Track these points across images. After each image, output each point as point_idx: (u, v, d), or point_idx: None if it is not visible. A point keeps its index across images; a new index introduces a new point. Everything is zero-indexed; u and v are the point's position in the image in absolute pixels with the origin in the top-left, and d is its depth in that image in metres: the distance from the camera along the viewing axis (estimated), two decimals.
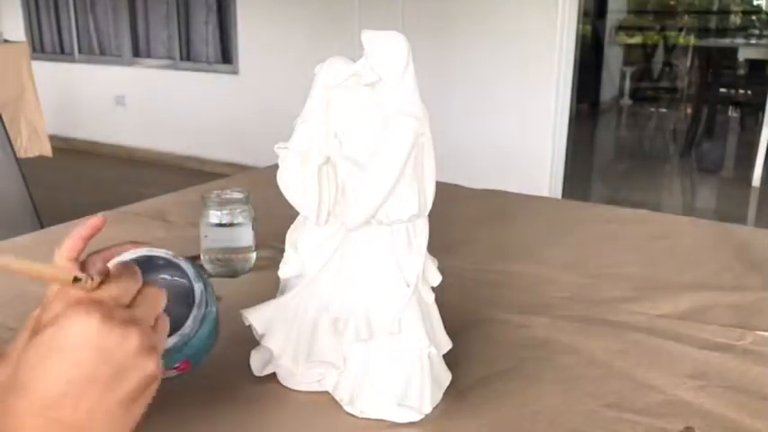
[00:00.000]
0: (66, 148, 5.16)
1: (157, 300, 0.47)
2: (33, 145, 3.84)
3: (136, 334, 0.42)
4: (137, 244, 0.52)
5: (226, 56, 4.87)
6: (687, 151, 5.36)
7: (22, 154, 3.48)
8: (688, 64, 7.68)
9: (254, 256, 0.95)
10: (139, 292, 0.46)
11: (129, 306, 0.45)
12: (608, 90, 7.58)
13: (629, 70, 7.86)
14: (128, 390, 0.42)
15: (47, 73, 5.13)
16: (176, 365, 0.56)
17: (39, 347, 0.41)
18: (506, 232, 1.14)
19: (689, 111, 6.28)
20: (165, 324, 0.48)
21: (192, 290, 0.54)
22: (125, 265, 0.47)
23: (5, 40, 4.25)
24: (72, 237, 0.49)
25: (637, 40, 8.30)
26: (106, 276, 0.45)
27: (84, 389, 0.40)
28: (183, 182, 1.33)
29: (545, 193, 3.70)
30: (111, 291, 0.44)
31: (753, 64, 6.17)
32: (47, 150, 3.91)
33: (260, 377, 0.68)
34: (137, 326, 0.43)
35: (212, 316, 0.57)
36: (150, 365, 0.43)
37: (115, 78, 5.38)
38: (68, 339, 0.41)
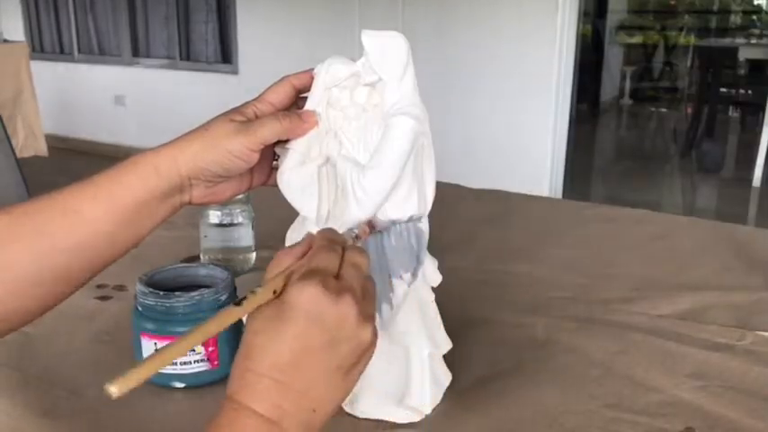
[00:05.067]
0: (65, 148, 5.16)
1: (361, 265, 0.48)
2: (29, 145, 3.84)
3: (351, 305, 0.44)
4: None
5: (226, 56, 4.87)
6: (687, 151, 5.36)
7: (18, 154, 3.48)
8: (688, 64, 7.68)
9: (254, 256, 0.95)
10: (342, 258, 0.47)
11: (338, 276, 0.46)
12: (608, 90, 7.57)
13: (629, 70, 7.86)
14: (346, 358, 0.45)
15: (46, 73, 5.14)
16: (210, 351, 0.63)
17: (264, 320, 0.44)
18: (506, 232, 1.14)
19: (689, 111, 6.27)
20: (373, 289, 0.49)
21: None
22: (325, 234, 0.49)
23: (5, 40, 4.25)
24: (304, 75, 0.59)
25: (637, 39, 8.30)
26: (309, 248, 0.48)
27: (306, 358, 0.43)
28: None
29: (545, 193, 3.70)
30: (320, 261, 0.46)
31: (753, 64, 6.18)
32: (42, 150, 3.91)
33: None
34: (352, 295, 0.45)
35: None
36: (366, 334, 0.45)
37: (115, 78, 5.37)
38: (292, 312, 0.43)
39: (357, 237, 0.48)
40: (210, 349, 0.66)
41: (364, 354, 0.46)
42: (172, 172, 0.54)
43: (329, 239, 0.49)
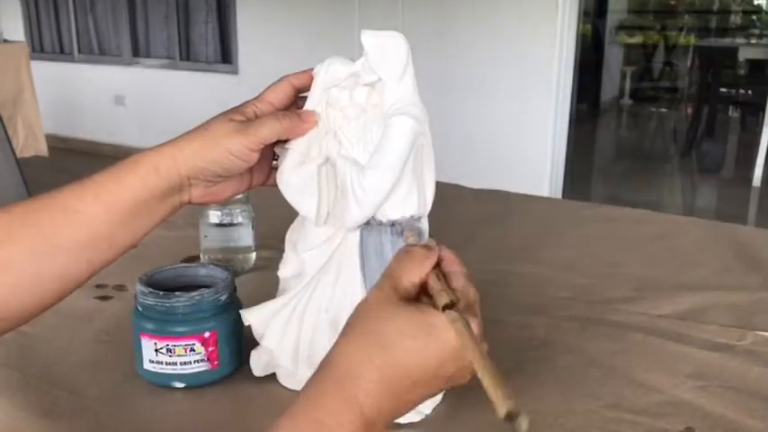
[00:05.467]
0: (65, 148, 5.16)
1: (473, 297, 0.49)
2: (30, 145, 3.84)
3: (477, 353, 0.44)
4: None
5: (226, 56, 4.87)
6: (687, 151, 5.36)
7: (18, 154, 3.48)
8: (688, 64, 7.68)
9: (253, 256, 0.95)
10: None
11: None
12: (608, 90, 7.57)
13: (629, 70, 7.85)
14: (448, 385, 0.46)
15: (46, 73, 5.13)
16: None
17: (417, 328, 0.43)
18: (506, 232, 1.14)
19: (689, 111, 6.28)
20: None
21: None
22: (459, 259, 0.50)
23: (5, 40, 4.25)
24: (305, 74, 0.60)
25: (637, 39, 8.30)
26: (437, 257, 0.49)
27: (430, 382, 0.44)
28: None
29: (545, 193, 3.70)
30: (471, 295, 0.48)
31: (753, 64, 6.18)
32: (43, 151, 3.91)
33: (260, 377, 0.68)
34: (481, 343, 0.45)
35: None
36: (466, 379, 0.46)
37: (115, 78, 5.37)
38: (445, 340, 0.43)
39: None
40: (210, 349, 0.66)
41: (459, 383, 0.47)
42: (171, 171, 0.54)
43: (462, 266, 0.50)
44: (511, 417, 0.39)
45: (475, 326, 0.45)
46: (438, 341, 0.43)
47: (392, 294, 0.45)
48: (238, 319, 0.67)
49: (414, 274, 0.47)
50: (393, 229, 0.59)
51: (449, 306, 0.44)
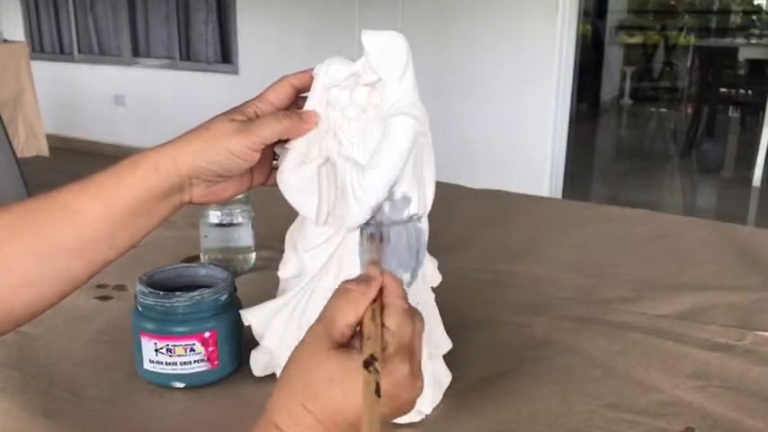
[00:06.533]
0: (65, 148, 5.16)
1: (408, 335, 0.47)
2: (31, 145, 3.84)
3: (421, 385, 0.46)
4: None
5: (226, 56, 4.86)
6: (687, 151, 5.36)
7: (19, 154, 3.48)
8: (688, 64, 7.67)
9: (253, 256, 0.95)
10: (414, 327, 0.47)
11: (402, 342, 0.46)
12: (608, 90, 7.57)
13: (629, 70, 7.85)
14: (389, 415, 0.45)
15: (46, 73, 5.13)
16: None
17: (345, 372, 0.43)
18: (506, 232, 1.14)
19: (689, 111, 6.27)
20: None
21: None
22: (400, 292, 0.48)
23: (5, 40, 4.25)
24: (306, 74, 0.60)
25: (637, 39, 8.29)
26: (378, 291, 0.48)
27: (369, 420, 0.42)
28: None
29: (545, 193, 3.70)
30: (404, 337, 0.46)
31: (753, 64, 6.17)
32: (44, 150, 3.91)
33: (260, 377, 0.68)
34: (420, 376, 0.46)
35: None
36: (413, 407, 0.47)
37: (115, 78, 5.37)
38: (397, 400, 0.44)
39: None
40: (210, 349, 0.66)
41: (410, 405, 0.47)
42: (172, 171, 0.54)
43: (403, 298, 0.48)
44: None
45: (404, 368, 0.44)
46: (395, 396, 0.44)
47: (324, 339, 0.45)
48: (238, 319, 0.67)
49: (349, 314, 0.46)
50: (393, 229, 0.59)
51: (368, 362, 0.43)
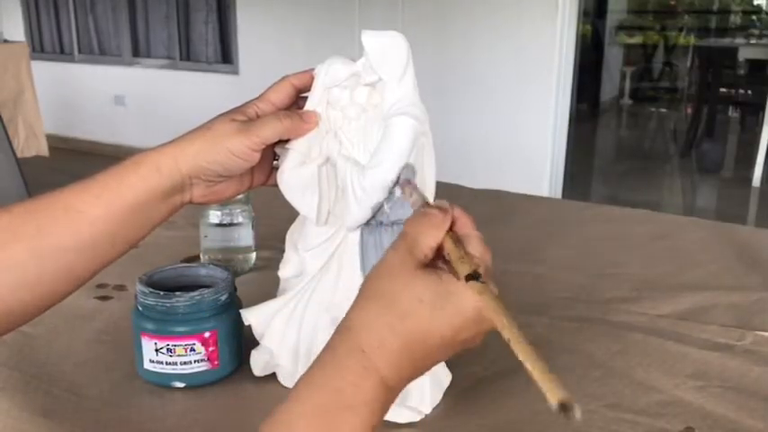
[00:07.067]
0: (65, 148, 5.16)
1: (490, 261, 0.47)
2: (31, 145, 3.84)
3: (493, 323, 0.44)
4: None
5: (226, 56, 4.87)
6: (687, 151, 5.36)
7: (19, 154, 3.48)
8: (688, 64, 7.67)
9: (254, 256, 0.95)
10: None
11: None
12: (608, 90, 7.57)
13: (629, 70, 7.85)
14: (466, 343, 0.45)
15: (47, 73, 5.13)
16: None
17: (435, 296, 0.43)
18: (506, 232, 1.14)
19: (689, 111, 6.27)
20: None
21: None
22: (471, 221, 0.49)
23: (5, 40, 4.25)
24: (306, 74, 0.60)
25: (637, 40, 8.29)
26: (451, 218, 0.47)
27: (450, 346, 0.44)
28: None
29: (545, 193, 3.70)
30: (488, 260, 0.46)
31: (753, 64, 6.18)
32: (44, 150, 3.91)
33: (260, 377, 0.68)
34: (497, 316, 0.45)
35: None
36: (479, 342, 0.46)
37: (115, 78, 5.37)
38: (465, 308, 0.43)
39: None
40: (211, 349, 0.66)
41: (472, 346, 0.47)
42: (173, 171, 0.54)
43: (475, 225, 0.48)
44: (565, 408, 0.38)
45: (495, 291, 0.44)
46: (457, 309, 0.43)
47: (409, 259, 0.44)
48: (238, 318, 0.67)
49: (431, 237, 0.45)
50: (394, 228, 0.59)
51: (472, 276, 0.43)
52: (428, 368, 0.46)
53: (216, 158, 0.55)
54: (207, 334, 0.65)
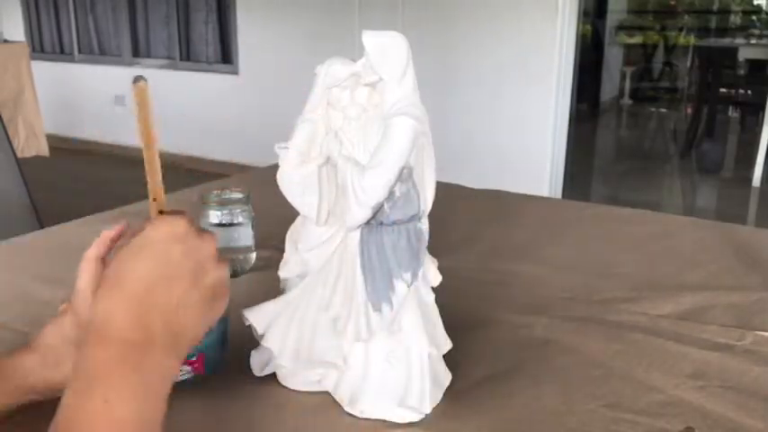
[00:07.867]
0: (65, 148, 5.16)
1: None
2: (31, 145, 3.84)
3: (212, 241, 0.48)
4: None
5: (226, 56, 4.86)
6: (687, 151, 5.36)
7: (19, 154, 3.48)
8: (688, 64, 7.67)
9: (254, 256, 0.95)
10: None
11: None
12: (608, 90, 7.57)
13: (629, 70, 7.85)
14: (207, 288, 0.47)
15: (46, 73, 5.13)
16: (192, 360, 0.62)
17: (131, 248, 0.46)
18: (506, 232, 1.14)
19: (689, 111, 6.27)
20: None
21: None
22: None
23: (5, 40, 4.25)
24: (101, 239, 0.57)
25: (637, 40, 8.29)
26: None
27: (172, 279, 0.45)
28: (182, 182, 1.33)
29: (545, 193, 3.70)
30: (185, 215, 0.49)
31: (753, 64, 6.17)
32: (44, 150, 3.91)
33: (260, 377, 0.68)
34: (212, 235, 0.48)
35: (224, 324, 0.65)
36: (223, 271, 0.49)
37: (115, 78, 5.37)
38: (158, 237, 0.46)
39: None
40: (194, 361, 0.64)
41: (222, 293, 0.49)
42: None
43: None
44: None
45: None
46: (159, 242, 0.46)
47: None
48: (224, 328, 0.66)
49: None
50: (394, 229, 0.59)
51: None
52: (186, 306, 0.46)
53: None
54: (194, 358, 0.64)
